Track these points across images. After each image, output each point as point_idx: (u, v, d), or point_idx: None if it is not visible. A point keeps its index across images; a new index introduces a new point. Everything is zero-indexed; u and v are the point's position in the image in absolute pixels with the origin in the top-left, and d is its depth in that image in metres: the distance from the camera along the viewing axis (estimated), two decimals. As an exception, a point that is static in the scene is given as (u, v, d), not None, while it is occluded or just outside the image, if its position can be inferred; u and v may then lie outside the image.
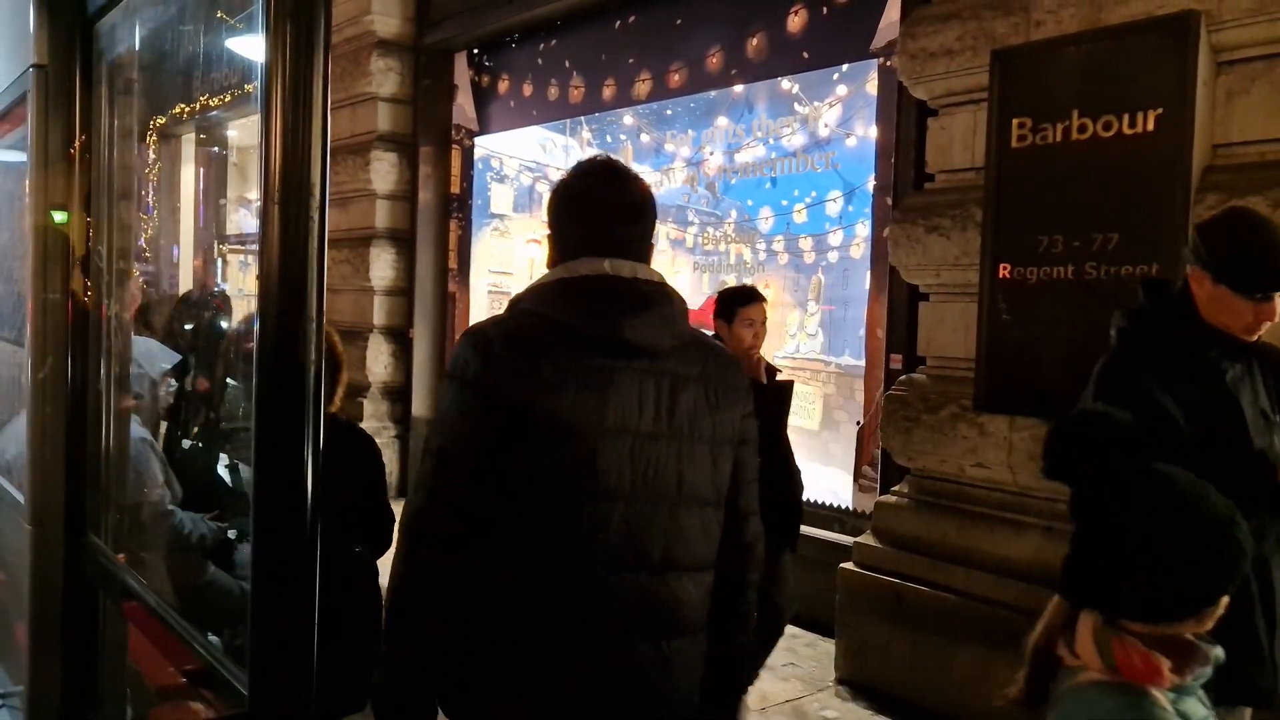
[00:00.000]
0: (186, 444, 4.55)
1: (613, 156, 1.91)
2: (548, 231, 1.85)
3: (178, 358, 3.81)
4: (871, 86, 5.56)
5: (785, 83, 6.15)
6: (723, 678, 1.86)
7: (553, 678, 1.66)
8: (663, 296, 1.74)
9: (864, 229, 5.69)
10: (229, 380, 4.84)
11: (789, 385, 3.87)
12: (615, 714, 1.69)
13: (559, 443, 1.64)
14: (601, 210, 1.76)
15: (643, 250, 1.78)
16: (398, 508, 2.16)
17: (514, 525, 1.65)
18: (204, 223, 11.88)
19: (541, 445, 1.64)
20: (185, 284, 10.82)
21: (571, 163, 7.50)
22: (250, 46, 1.64)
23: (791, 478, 3.80)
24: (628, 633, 1.68)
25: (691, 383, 1.75)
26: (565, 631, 1.65)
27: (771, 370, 3.80)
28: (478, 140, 8.03)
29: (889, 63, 5.06)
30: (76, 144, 2.37)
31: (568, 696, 1.66)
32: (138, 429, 2.95)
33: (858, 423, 5.55)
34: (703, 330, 2.10)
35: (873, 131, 5.53)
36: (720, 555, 1.80)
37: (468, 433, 1.65)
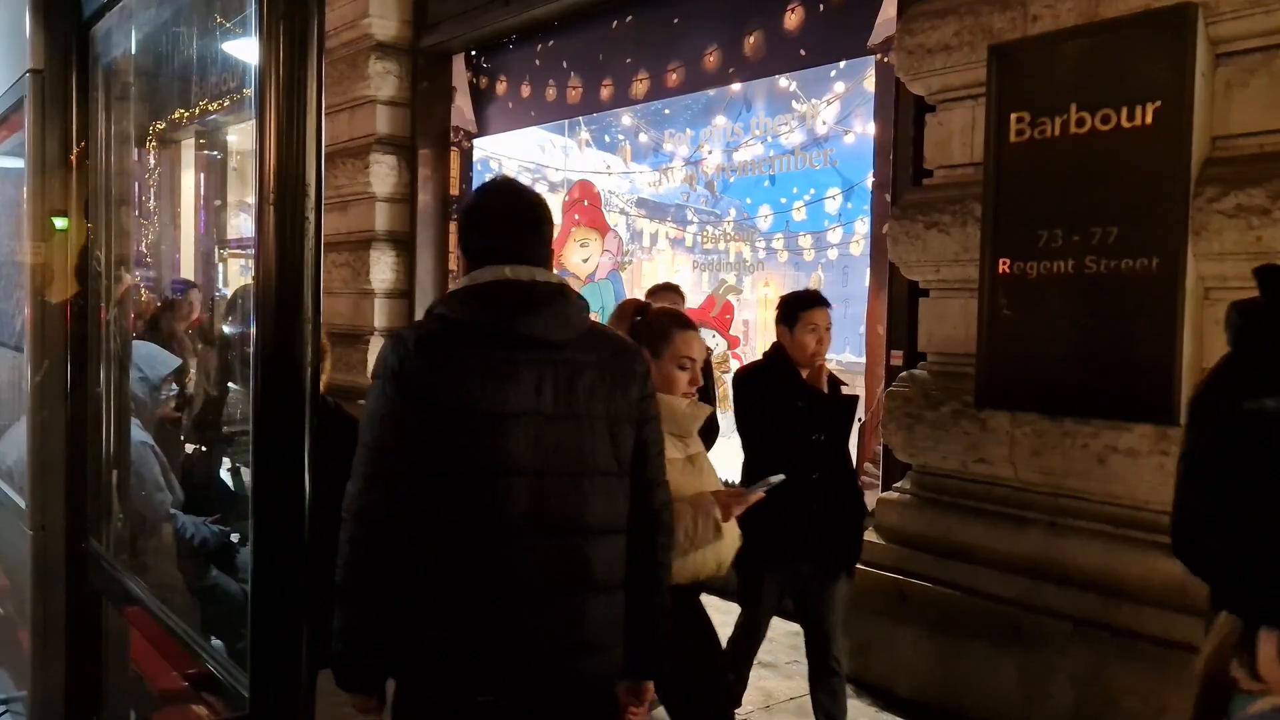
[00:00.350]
0: (190, 448, 4.55)
1: (510, 176, 2.17)
2: (458, 250, 2.11)
3: (178, 361, 3.81)
4: (869, 83, 5.55)
5: (783, 80, 6.14)
6: (642, 632, 2.06)
7: (482, 631, 1.87)
8: (559, 295, 1.97)
9: (863, 226, 5.68)
10: (229, 384, 4.85)
11: (853, 401, 3.66)
12: (543, 664, 1.91)
13: (470, 427, 1.87)
14: (501, 223, 2.01)
15: (541, 255, 2.02)
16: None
17: (441, 501, 1.87)
18: (204, 227, 11.88)
19: (455, 430, 1.86)
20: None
21: (570, 163, 7.52)
22: (246, 50, 1.64)
23: (856, 500, 3.61)
24: (546, 590, 1.90)
25: (589, 369, 1.97)
26: (491, 592, 1.87)
27: (835, 382, 3.59)
28: (476, 142, 8.02)
29: (886, 59, 5.05)
30: (74, 149, 2.37)
31: (498, 648, 1.87)
32: (139, 433, 2.95)
33: (859, 419, 5.54)
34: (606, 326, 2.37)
35: (871, 128, 5.52)
36: (631, 523, 2.03)
37: (393, 424, 1.87)
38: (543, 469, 1.90)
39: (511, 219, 2.01)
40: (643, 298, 4.66)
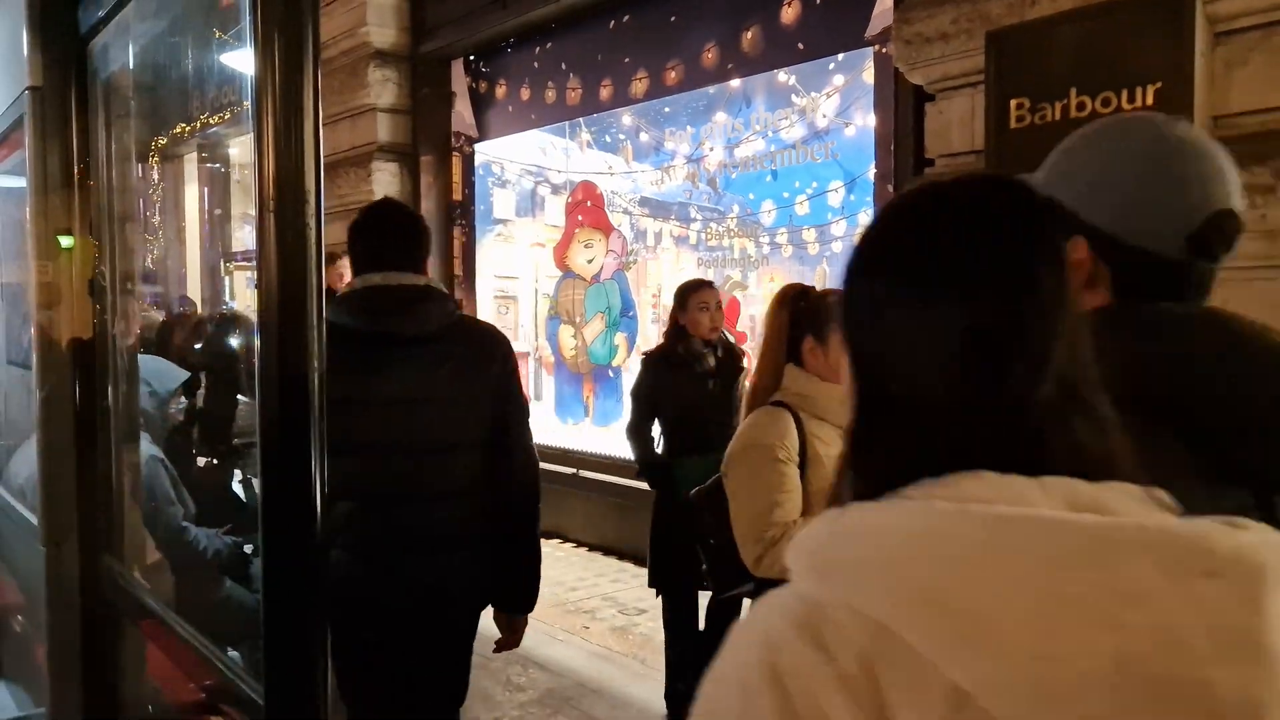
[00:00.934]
0: (201, 460, 4.56)
1: (390, 197, 2.56)
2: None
3: (187, 375, 3.81)
4: (868, 75, 5.54)
5: (782, 75, 6.13)
6: (512, 574, 2.44)
7: (359, 580, 2.24)
8: (423, 296, 2.30)
9: (866, 218, 5.67)
10: (239, 397, 4.85)
11: None
12: (406, 607, 2.27)
13: (347, 414, 2.09)
14: (374, 236, 2.36)
15: (410, 262, 2.34)
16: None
17: (329, 474, 2.01)
18: (209, 241, 11.91)
19: (336, 418, 2.06)
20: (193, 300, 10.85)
21: (572, 165, 7.52)
22: (243, 61, 1.64)
23: None
24: (406, 547, 2.27)
25: (452, 358, 2.32)
26: (368, 547, 2.26)
27: None
28: (478, 147, 8.02)
29: (884, 50, 5.03)
30: (75, 165, 2.37)
31: (371, 594, 2.26)
32: (149, 446, 2.95)
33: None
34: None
35: (871, 120, 5.51)
36: (499, 483, 2.38)
37: None
38: (410, 445, 2.26)
39: (384, 232, 2.36)
40: (670, 297, 4.55)
